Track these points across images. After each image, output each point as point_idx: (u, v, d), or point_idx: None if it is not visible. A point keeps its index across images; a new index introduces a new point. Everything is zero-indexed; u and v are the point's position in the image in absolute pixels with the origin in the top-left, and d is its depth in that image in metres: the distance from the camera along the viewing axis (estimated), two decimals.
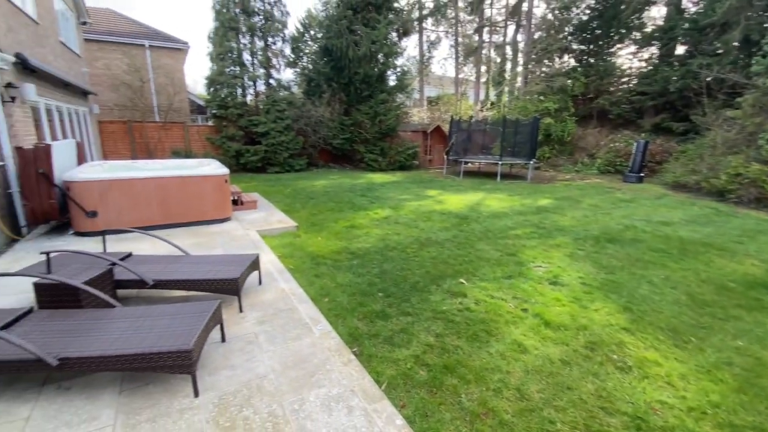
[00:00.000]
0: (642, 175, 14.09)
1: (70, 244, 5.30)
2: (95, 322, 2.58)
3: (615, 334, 3.54)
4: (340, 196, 10.20)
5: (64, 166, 6.09)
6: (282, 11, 16.30)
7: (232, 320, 3.32)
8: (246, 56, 15.99)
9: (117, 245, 5.16)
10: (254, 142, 15.50)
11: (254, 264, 3.92)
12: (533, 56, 21.21)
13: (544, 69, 21.15)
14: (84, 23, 12.87)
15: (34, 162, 5.20)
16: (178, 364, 2.29)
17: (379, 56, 17.29)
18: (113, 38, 15.98)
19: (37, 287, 2.90)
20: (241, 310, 3.49)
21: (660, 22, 18.09)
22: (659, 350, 3.31)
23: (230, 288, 3.41)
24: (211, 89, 15.53)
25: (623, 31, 18.90)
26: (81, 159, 7.15)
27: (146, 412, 2.25)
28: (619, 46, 19.74)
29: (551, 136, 18.24)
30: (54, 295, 2.89)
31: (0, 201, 5.32)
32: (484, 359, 3.12)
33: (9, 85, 5.67)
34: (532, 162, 14.87)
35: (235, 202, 7.58)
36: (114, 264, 3.33)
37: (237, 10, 15.10)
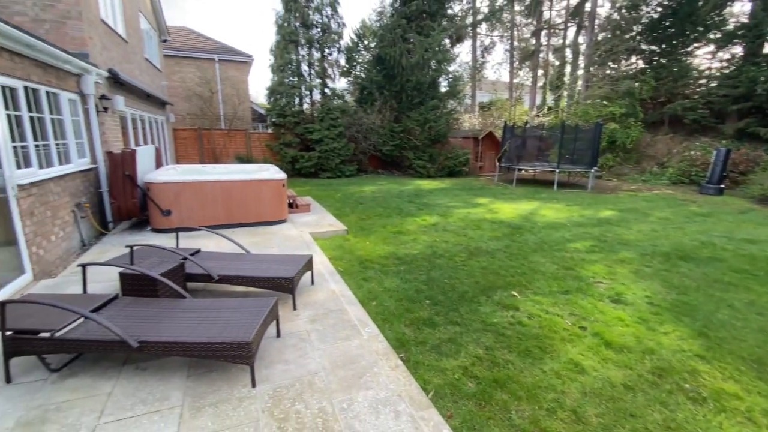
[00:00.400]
0: (722, 186, 12.66)
1: (148, 239, 5.89)
2: (168, 311, 2.85)
3: (687, 361, 3.21)
4: (388, 202, 10.31)
5: (145, 169, 6.81)
6: (338, 23, 16.93)
7: (286, 317, 3.49)
8: (304, 67, 16.80)
9: (187, 242, 5.65)
10: (308, 149, 16.19)
11: (308, 264, 4.09)
12: (596, 58, 20.02)
13: (608, 71, 19.87)
14: (164, 41, 14.32)
15: (122, 165, 5.87)
16: (238, 355, 2.46)
17: (432, 63, 17.32)
18: (188, 53, 17.60)
19: (122, 276, 3.27)
20: (294, 308, 3.66)
21: (744, 19, 16.28)
22: (740, 382, 2.95)
23: (286, 286, 3.59)
24: (272, 99, 16.50)
25: (701, 29, 17.22)
26: (159, 163, 7.94)
27: (209, 397, 2.44)
28: (695, 45, 18.01)
29: (616, 142, 17.05)
30: (135, 284, 3.24)
31: (92, 199, 6.06)
32: (537, 376, 2.98)
33: (103, 97, 6.47)
34: (593, 170, 13.99)
35: (290, 205, 7.97)
36: (185, 259, 3.65)
37: (297, 24, 15.94)
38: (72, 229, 5.28)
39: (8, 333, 2.48)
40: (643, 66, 19.25)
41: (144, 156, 6.77)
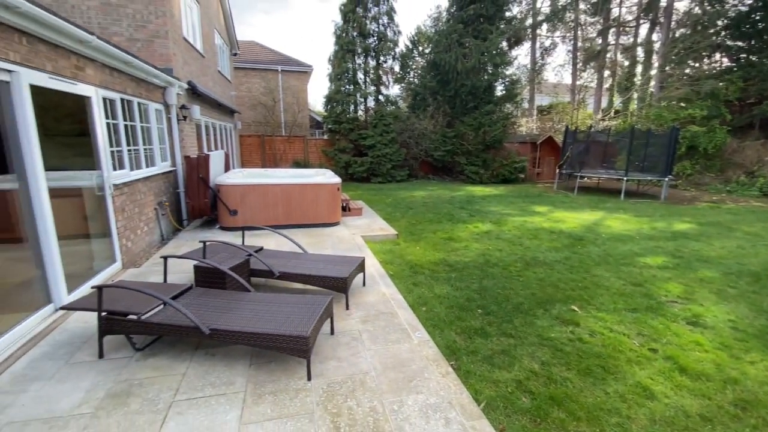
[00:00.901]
0: None
1: (217, 236, 6.41)
2: (235, 303, 3.09)
3: None
4: (438, 208, 10.23)
5: (216, 172, 7.43)
6: (394, 31, 17.22)
7: (339, 316, 3.61)
8: (359, 75, 17.30)
9: (250, 240, 6.06)
10: (361, 154, 16.60)
11: (360, 266, 4.20)
12: (673, 57, 18.31)
13: (687, 71, 18.08)
14: (234, 54, 15.53)
15: (197, 168, 6.46)
16: (296, 348, 2.60)
17: (488, 67, 16.97)
18: (255, 65, 18.92)
19: (196, 268, 3.60)
20: (347, 308, 3.77)
21: None
22: None
23: (340, 286, 3.71)
24: (328, 106, 17.18)
25: None
26: (227, 167, 8.61)
27: (269, 385, 2.60)
28: None
29: (696, 148, 15.42)
30: (207, 276, 3.55)
31: (170, 198, 6.73)
32: (599, 398, 2.79)
33: (183, 107, 7.18)
34: (667, 179, 12.77)
35: (343, 209, 8.22)
36: (250, 255, 3.93)
37: (354, 34, 16.47)
38: (154, 225, 5.90)
39: (103, 314, 2.84)
40: (729, 64, 17.26)
41: (215, 160, 7.39)
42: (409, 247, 6.39)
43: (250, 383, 2.63)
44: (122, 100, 5.08)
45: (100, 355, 2.89)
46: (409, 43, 20.86)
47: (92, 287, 2.81)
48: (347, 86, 16.94)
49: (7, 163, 3.25)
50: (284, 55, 20.34)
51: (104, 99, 4.56)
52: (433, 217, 8.99)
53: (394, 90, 19.69)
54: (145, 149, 5.81)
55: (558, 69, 38.99)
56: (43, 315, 3.36)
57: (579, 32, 26.11)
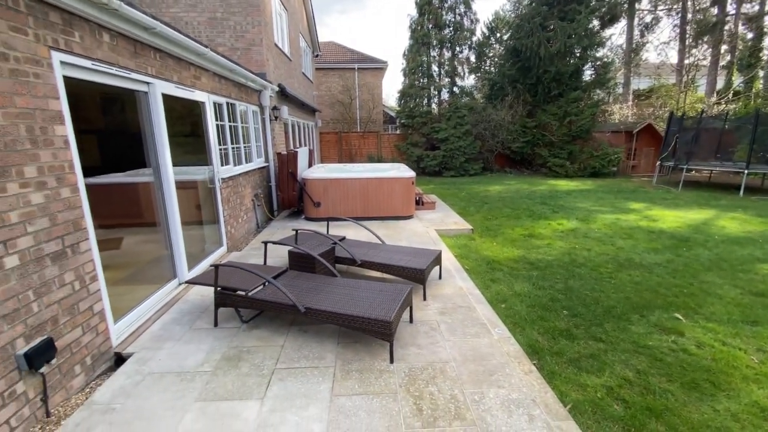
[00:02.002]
0: None
1: (303, 226, 6.95)
2: (325, 286, 3.37)
3: None
4: (516, 203, 9.78)
5: (301, 167, 8.04)
6: (471, 19, 16.72)
7: (417, 306, 3.72)
8: (434, 68, 17.16)
9: (331, 230, 6.48)
10: (434, 148, 16.50)
11: (437, 259, 4.26)
12: None
13: None
14: (316, 55, 16.45)
15: (287, 164, 7.07)
16: (381, 331, 2.76)
17: (576, 50, 15.62)
18: (333, 65, 19.83)
19: (290, 253, 3.99)
20: (425, 299, 3.87)
21: None
22: None
23: (418, 277, 3.82)
24: (402, 101, 17.36)
25: None
26: (310, 162, 9.24)
27: (356, 364, 2.81)
28: None
29: None
30: (299, 260, 3.91)
31: (264, 191, 7.45)
32: (707, 414, 2.50)
33: (274, 108, 7.86)
34: None
35: (417, 202, 8.31)
36: (335, 243, 4.22)
37: (430, 26, 16.35)
38: (251, 214, 6.62)
39: (218, 288, 3.31)
40: None
41: (301, 156, 7.99)
42: (485, 243, 6.26)
43: (338, 360, 2.86)
44: (227, 103, 5.75)
45: (215, 324, 3.38)
46: (486, 31, 20.06)
47: (210, 265, 3.29)
48: (421, 80, 16.92)
49: (145, 158, 3.92)
50: (360, 53, 20.98)
51: (214, 103, 5.22)
52: (510, 212, 8.65)
53: (469, 81, 19.17)
54: (244, 147, 6.52)
55: (661, 47, 34.06)
56: (170, 288, 4.02)
57: (689, 2, 22.61)
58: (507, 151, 16.60)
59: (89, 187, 2.85)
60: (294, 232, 4.45)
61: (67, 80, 2.70)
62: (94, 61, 2.90)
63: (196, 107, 4.88)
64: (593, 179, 14.78)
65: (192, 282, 3.47)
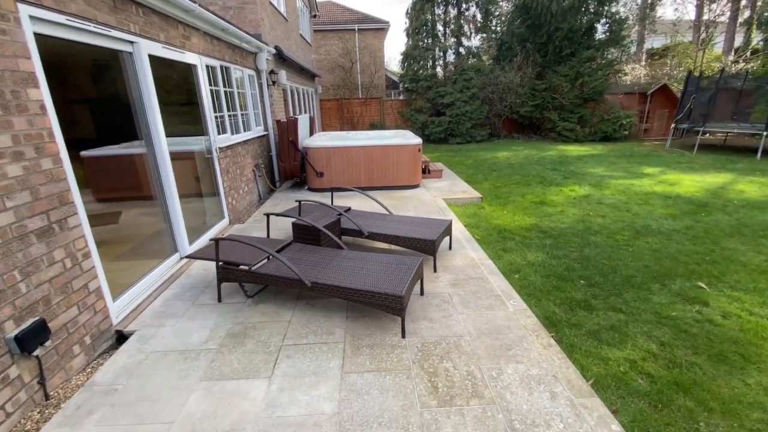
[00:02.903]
0: None
1: (306, 197, 6.74)
2: (331, 259, 3.21)
3: None
4: (526, 169, 9.46)
5: (302, 135, 7.71)
6: None
7: (427, 278, 3.57)
8: (439, 27, 16.25)
9: (336, 201, 6.28)
10: (439, 114, 15.92)
11: (447, 229, 4.07)
12: None
13: None
14: (314, 16, 15.57)
15: (287, 132, 6.76)
16: (391, 306, 2.62)
17: (589, 5, 14.64)
18: (332, 26, 18.84)
19: (294, 226, 3.81)
20: (435, 270, 3.71)
21: None
22: None
23: (428, 248, 3.65)
24: (405, 64, 16.58)
25: None
26: (311, 131, 8.89)
27: (366, 339, 2.69)
28: None
29: None
30: (304, 233, 3.73)
31: (265, 161, 7.19)
32: (737, 389, 2.38)
33: (272, 72, 7.44)
34: None
35: (423, 171, 8.03)
36: (341, 215, 4.03)
37: None
38: (253, 186, 6.40)
39: (220, 263, 3.16)
40: None
41: (302, 124, 7.64)
42: (496, 212, 6.04)
43: (348, 335, 2.74)
44: (221, 67, 5.39)
45: (219, 299, 3.26)
46: None
47: (210, 239, 3.12)
48: (426, 40, 16.08)
49: (136, 130, 3.67)
50: (361, 13, 19.87)
51: (207, 66, 4.87)
52: (520, 179, 8.36)
53: (476, 41, 18.18)
54: (241, 114, 6.20)
55: (678, 3, 32.00)
56: (171, 263, 3.89)
57: None
58: (515, 115, 16.00)
59: (86, 160, 2.63)
60: (297, 204, 4.25)
61: (41, 39, 2.42)
62: (68, 15, 2.60)
63: (187, 71, 4.55)
64: (604, 144, 14.29)
65: (192, 257, 3.32)
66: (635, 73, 21.01)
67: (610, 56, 15.62)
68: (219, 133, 5.19)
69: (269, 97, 7.76)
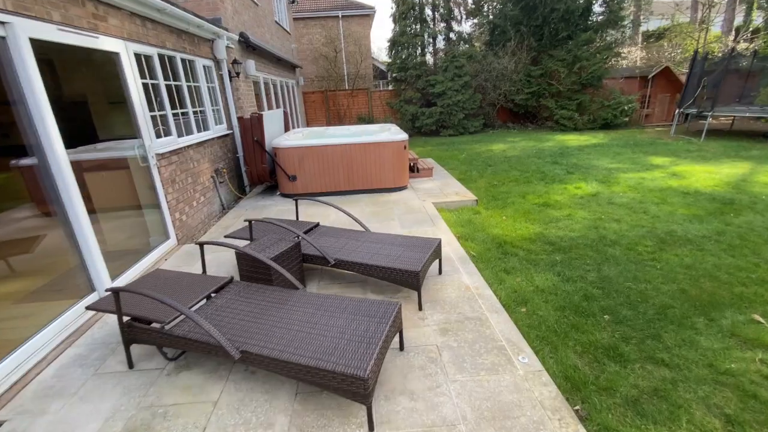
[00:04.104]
0: None
1: (278, 204, 5.90)
2: (277, 309, 2.39)
3: None
4: (524, 163, 8.65)
5: (273, 133, 6.82)
6: None
7: (410, 319, 2.77)
8: (427, 11, 15.26)
9: (311, 209, 5.44)
10: (430, 104, 15.02)
11: (436, 251, 3.26)
12: None
13: None
14: (293, 2, 14.49)
15: (251, 130, 5.87)
16: (352, 390, 1.82)
17: None
18: (314, 13, 17.75)
19: (238, 255, 2.98)
20: (420, 308, 2.91)
21: None
22: None
23: (410, 282, 2.84)
24: (393, 51, 15.59)
25: None
26: (287, 127, 7.99)
27: None
28: None
29: None
30: (251, 265, 2.91)
31: (229, 164, 6.31)
32: None
33: (234, 62, 6.51)
34: None
35: (411, 169, 7.20)
36: (299, 237, 3.20)
37: None
38: (212, 195, 5.53)
39: (126, 319, 2.33)
40: None
41: (272, 120, 6.75)
42: (493, 217, 5.24)
43: (293, 427, 1.94)
44: (161, 56, 4.48)
45: (130, 365, 2.44)
46: None
47: (107, 290, 2.29)
48: (413, 25, 15.09)
49: (23, 136, 2.80)
50: None
51: (137, 55, 3.97)
52: (519, 175, 7.55)
53: (467, 26, 17.22)
54: (195, 112, 5.31)
55: None
56: (79, 308, 3.04)
57: None
58: (510, 104, 15.13)
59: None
60: (248, 223, 3.40)
61: None
62: None
63: (107, 60, 3.65)
64: (605, 132, 13.49)
65: (93, 308, 2.48)
66: (632, 56, 20.20)
67: (609, 38, 14.72)
68: (160, 136, 4.31)
69: (234, 91, 6.85)
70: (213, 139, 5.72)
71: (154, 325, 2.32)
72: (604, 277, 3.48)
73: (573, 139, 11.96)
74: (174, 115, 4.70)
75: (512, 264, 3.83)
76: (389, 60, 16.31)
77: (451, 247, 4.02)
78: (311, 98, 16.34)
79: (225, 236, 3.63)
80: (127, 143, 4.06)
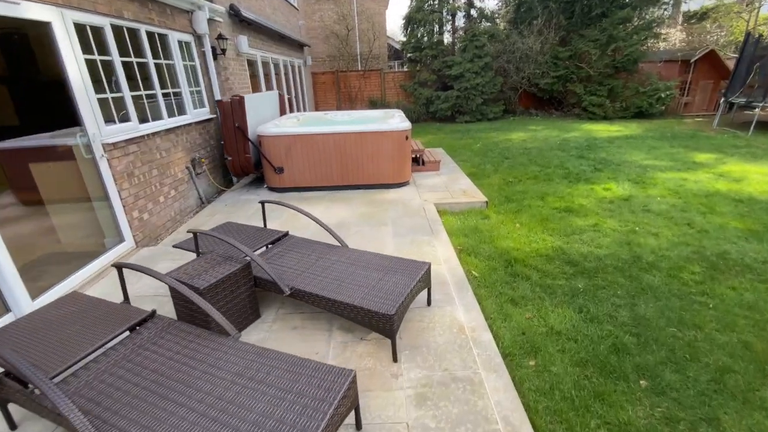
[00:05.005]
0: None
1: (264, 198, 5.29)
2: (192, 369, 1.77)
3: None
4: (546, 157, 7.75)
5: (265, 118, 6.16)
6: None
7: (379, 376, 2.12)
8: None
9: (300, 203, 4.81)
10: (446, 87, 14.01)
11: (425, 279, 2.57)
12: None
13: None
14: None
15: (231, 115, 5.22)
16: None
17: None
18: None
19: (171, 290, 2.36)
20: (395, 359, 2.25)
21: None
22: None
23: (382, 327, 2.17)
24: (408, 29, 14.53)
25: None
26: (282, 111, 7.31)
27: None
28: None
29: None
30: (183, 301, 2.29)
31: (212, 152, 5.70)
32: None
33: (220, 37, 5.82)
34: None
35: (415, 161, 6.45)
36: (247, 258, 2.55)
37: None
38: (187, 187, 4.95)
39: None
40: None
41: (262, 104, 6.08)
42: (505, 224, 4.48)
43: None
44: (117, 27, 3.83)
45: (11, 426, 1.89)
46: None
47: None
48: (431, 0, 13.93)
49: None
50: None
51: (79, 26, 3.33)
52: (538, 171, 6.69)
53: (491, 2, 15.88)
54: (167, 94, 4.68)
55: None
56: None
57: None
58: (533, 88, 13.95)
59: None
60: (193, 235, 2.78)
61: None
62: None
63: (35, 31, 3.03)
64: (638, 121, 12.25)
65: None
66: (671, 38, 18.43)
67: (648, 16, 13.23)
68: (116, 122, 3.71)
69: (223, 70, 6.19)
70: (190, 124, 5.10)
71: (30, 386, 1.74)
72: (640, 318, 2.73)
73: (602, 129, 10.84)
74: (137, 97, 4.08)
75: (522, 291, 3.11)
76: (404, 38, 15.25)
77: (449, 266, 3.32)
78: (321, 79, 15.52)
79: (173, 245, 3.04)
80: (64, 131, 3.49)
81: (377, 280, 2.47)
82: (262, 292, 2.77)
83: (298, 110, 12.14)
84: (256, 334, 2.52)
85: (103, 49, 3.65)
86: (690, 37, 19.64)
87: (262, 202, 3.37)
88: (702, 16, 20.77)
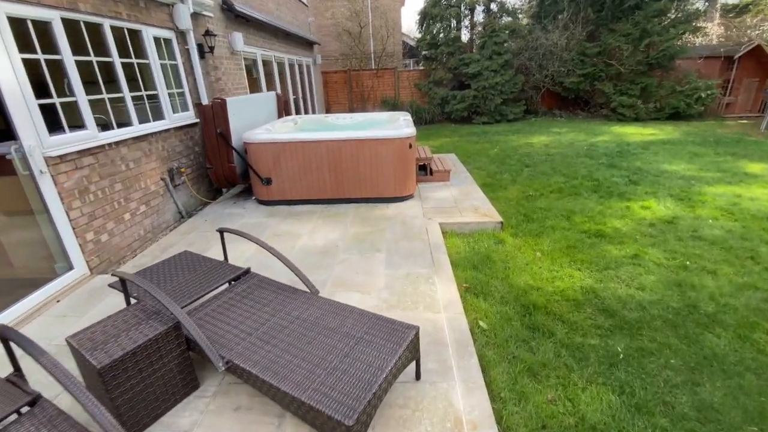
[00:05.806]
0: None
1: (249, 214, 4.75)
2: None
3: None
4: (571, 165, 6.93)
5: (258, 122, 5.61)
6: None
7: None
8: None
9: (282, 225, 4.23)
10: (462, 87, 13.22)
11: (411, 348, 1.92)
12: None
13: None
14: None
15: (213, 120, 4.67)
16: None
17: None
18: None
19: (70, 345, 1.79)
20: None
21: None
22: None
23: None
24: (423, 25, 13.80)
25: None
26: (281, 113, 6.75)
27: None
28: None
29: None
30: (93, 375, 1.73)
31: (196, 161, 5.18)
32: None
33: (207, 34, 5.29)
34: None
35: (422, 169, 5.77)
36: (176, 319, 1.96)
37: None
38: (163, 201, 4.44)
39: None
40: None
41: (251, 106, 5.53)
42: (523, 251, 3.76)
43: None
44: (69, 21, 3.32)
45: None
46: None
47: None
48: None
49: None
50: None
51: (15, 20, 2.82)
52: (563, 182, 5.90)
53: None
54: (138, 97, 4.16)
55: None
56: None
57: None
58: (557, 87, 12.99)
59: None
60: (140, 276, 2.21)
61: None
62: None
63: None
64: (674, 123, 11.16)
65: None
66: (709, 33, 17.05)
67: (688, 8, 12.06)
68: (59, 131, 3.20)
69: (213, 70, 5.68)
70: (168, 130, 4.58)
71: None
72: (706, 407, 1.99)
73: (634, 133, 9.86)
74: (97, 102, 3.58)
75: (543, 355, 2.41)
76: (419, 34, 14.53)
77: (449, 314, 2.65)
78: (333, 78, 14.97)
79: (109, 285, 2.48)
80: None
81: (344, 353, 1.83)
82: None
83: (306, 112, 11.61)
84: (188, 416, 1.93)
85: (51, 48, 3.14)
86: (729, 32, 18.18)
87: (221, 230, 2.77)
88: (742, 9, 19.21)
